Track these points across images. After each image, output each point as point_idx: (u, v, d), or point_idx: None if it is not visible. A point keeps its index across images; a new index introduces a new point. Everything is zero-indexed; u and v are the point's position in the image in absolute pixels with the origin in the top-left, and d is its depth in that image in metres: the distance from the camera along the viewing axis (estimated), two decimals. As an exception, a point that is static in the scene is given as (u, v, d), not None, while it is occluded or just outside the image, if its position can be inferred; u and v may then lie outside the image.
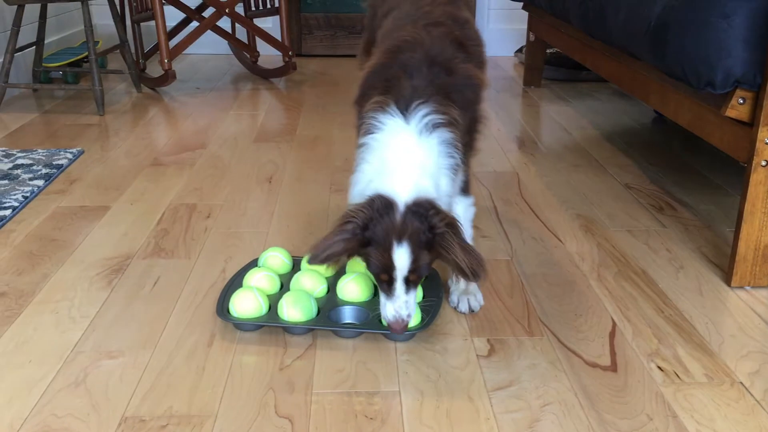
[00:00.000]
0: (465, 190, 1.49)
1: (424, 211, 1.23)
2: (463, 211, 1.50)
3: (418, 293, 1.45)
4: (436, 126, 1.29)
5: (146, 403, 1.19)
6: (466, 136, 1.40)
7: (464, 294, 1.48)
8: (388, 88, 1.34)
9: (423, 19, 1.47)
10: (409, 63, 1.35)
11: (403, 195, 1.24)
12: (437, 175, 1.29)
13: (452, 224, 1.24)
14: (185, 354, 1.32)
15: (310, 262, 1.23)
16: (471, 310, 1.47)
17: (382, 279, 1.26)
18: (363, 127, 1.35)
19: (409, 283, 1.26)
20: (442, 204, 1.28)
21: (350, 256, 1.28)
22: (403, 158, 1.28)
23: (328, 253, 1.22)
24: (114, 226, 1.86)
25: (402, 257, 1.22)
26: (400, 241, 1.22)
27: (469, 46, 1.47)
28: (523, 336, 1.40)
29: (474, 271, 1.22)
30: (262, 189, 2.14)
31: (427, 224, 1.23)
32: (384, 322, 1.31)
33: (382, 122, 1.31)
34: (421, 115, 1.29)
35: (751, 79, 1.45)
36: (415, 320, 1.36)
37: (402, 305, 1.26)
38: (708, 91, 1.52)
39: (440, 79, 1.34)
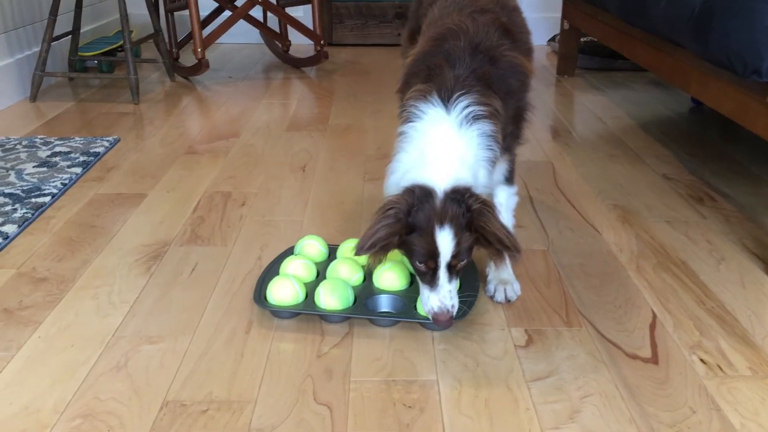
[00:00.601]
0: (509, 179, 1.48)
1: (461, 196, 1.23)
2: (505, 199, 1.49)
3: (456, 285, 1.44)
4: (476, 118, 1.28)
5: (187, 388, 1.20)
6: (510, 125, 1.38)
7: (501, 284, 1.47)
8: (430, 77, 1.33)
9: (469, 6, 1.45)
10: (452, 52, 1.34)
11: (441, 184, 1.24)
12: (475, 167, 1.28)
13: (487, 203, 1.24)
14: (224, 340, 1.33)
15: (358, 252, 1.23)
16: (507, 300, 1.46)
17: (427, 267, 1.25)
18: (403, 116, 1.34)
19: (452, 270, 1.25)
20: (479, 190, 1.27)
21: (394, 244, 1.26)
22: (442, 149, 1.27)
23: (374, 240, 1.21)
24: (151, 214, 1.88)
25: (445, 241, 1.22)
26: (442, 225, 1.22)
27: (516, 33, 1.44)
28: (561, 326, 1.39)
29: (513, 243, 1.22)
30: (296, 177, 2.15)
31: (465, 207, 1.23)
32: (425, 314, 1.30)
33: (423, 111, 1.30)
34: (462, 106, 1.28)
35: (799, 67, 1.42)
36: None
37: (446, 295, 1.26)
38: (753, 78, 1.48)
39: (483, 68, 1.32)
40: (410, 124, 1.31)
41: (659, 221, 1.85)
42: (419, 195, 1.24)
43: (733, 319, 1.41)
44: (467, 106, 1.28)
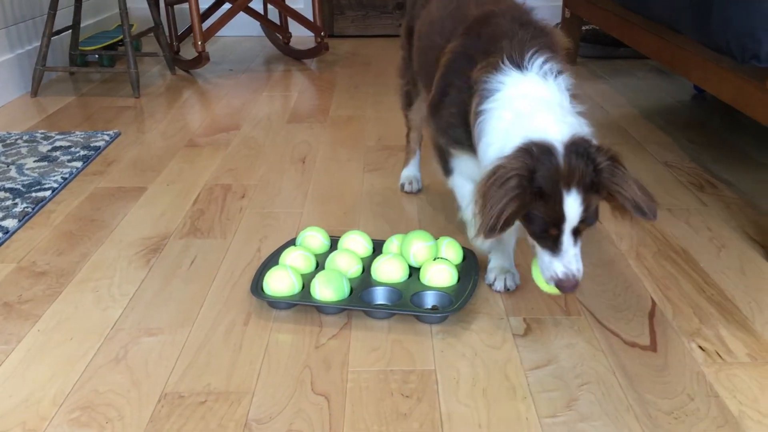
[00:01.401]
0: None
1: (583, 150, 1.12)
2: None
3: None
4: (558, 72, 1.25)
5: (185, 380, 1.20)
6: None
7: (501, 272, 1.47)
8: (490, 54, 1.27)
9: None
10: (499, 27, 1.30)
11: (558, 135, 1.13)
12: (574, 112, 1.23)
13: (615, 157, 1.13)
14: (222, 332, 1.34)
15: (486, 235, 1.11)
16: (507, 289, 1.46)
17: (551, 234, 1.15)
18: (476, 97, 1.25)
19: (578, 234, 1.16)
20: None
21: (520, 217, 1.16)
22: (541, 101, 1.21)
23: (503, 216, 1.10)
24: (151, 207, 1.88)
25: (573, 206, 1.11)
26: (569, 188, 1.11)
27: (538, 27, 1.38)
28: (559, 315, 1.39)
29: (651, 209, 1.12)
30: (296, 169, 2.15)
31: (591, 163, 1.11)
32: (547, 285, 1.22)
33: (500, 81, 1.24)
34: (540, 63, 1.24)
35: (798, 52, 1.41)
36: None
37: (572, 259, 1.16)
38: (752, 64, 1.47)
39: (534, 37, 1.28)
40: (490, 99, 1.22)
41: (660, 209, 1.82)
42: (538, 154, 1.11)
43: (733, 307, 1.40)
44: (545, 62, 1.24)
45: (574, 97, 1.26)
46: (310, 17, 3.50)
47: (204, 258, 1.61)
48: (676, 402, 1.14)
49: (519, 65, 1.25)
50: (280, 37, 3.73)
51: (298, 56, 3.65)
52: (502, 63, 1.25)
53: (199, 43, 3.08)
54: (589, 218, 1.15)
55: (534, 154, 1.11)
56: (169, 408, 1.13)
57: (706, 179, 2.02)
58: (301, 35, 3.80)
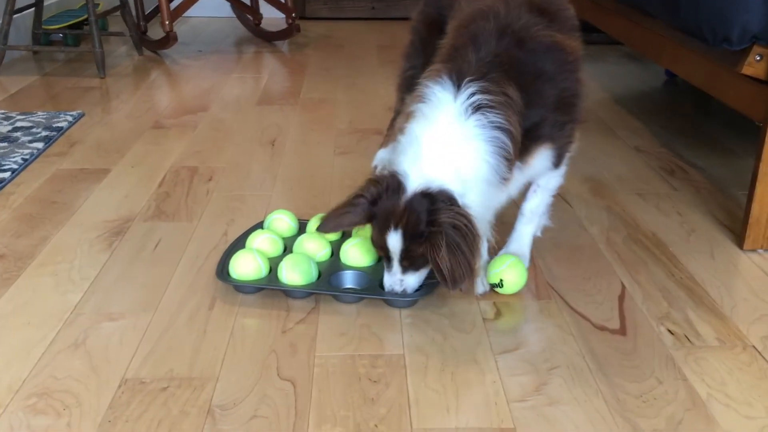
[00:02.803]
0: (555, 164, 1.37)
1: (430, 203, 1.18)
2: (545, 180, 1.42)
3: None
4: (480, 107, 1.19)
5: (147, 365, 1.17)
6: (552, 113, 1.29)
7: None
8: (451, 58, 1.25)
9: None
10: (478, 33, 1.26)
11: (415, 180, 1.19)
12: (473, 160, 1.20)
13: (456, 225, 1.16)
14: (186, 317, 1.30)
15: (319, 230, 1.28)
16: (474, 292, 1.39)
17: (381, 254, 1.28)
18: (416, 93, 1.27)
19: (406, 267, 1.26)
20: (474, 192, 1.20)
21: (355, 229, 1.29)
22: (434, 140, 1.20)
23: (336, 224, 1.27)
24: (115, 189, 1.83)
25: (394, 243, 1.22)
26: (395, 227, 1.21)
27: (553, 11, 1.35)
28: (530, 299, 1.37)
29: (453, 279, 1.17)
30: (266, 152, 2.11)
31: (427, 217, 1.18)
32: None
33: (432, 93, 1.23)
34: (469, 93, 1.20)
35: (769, 35, 1.40)
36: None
37: (396, 282, 1.29)
38: (724, 47, 1.47)
39: (508, 51, 1.24)
40: (418, 104, 1.25)
41: (631, 194, 1.84)
42: (387, 187, 1.21)
43: (702, 290, 1.40)
44: (473, 94, 1.20)
45: (498, 130, 1.19)
46: (282, -2, 3.44)
47: (169, 241, 1.57)
48: (645, 385, 1.13)
49: (455, 87, 1.21)
50: (251, 19, 3.66)
51: (269, 38, 3.59)
52: (443, 77, 1.23)
53: (167, 23, 3.01)
54: (412, 260, 1.25)
55: (385, 187, 1.21)
56: (130, 394, 1.10)
57: (676, 164, 2.02)
58: (272, 17, 3.74)
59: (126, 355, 1.19)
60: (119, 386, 1.12)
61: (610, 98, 2.65)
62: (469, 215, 1.19)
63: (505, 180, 1.24)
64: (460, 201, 1.19)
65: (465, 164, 1.20)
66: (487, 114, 1.19)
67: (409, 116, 1.26)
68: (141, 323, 1.28)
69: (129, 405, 1.08)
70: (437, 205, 1.18)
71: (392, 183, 1.21)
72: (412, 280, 1.29)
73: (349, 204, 1.24)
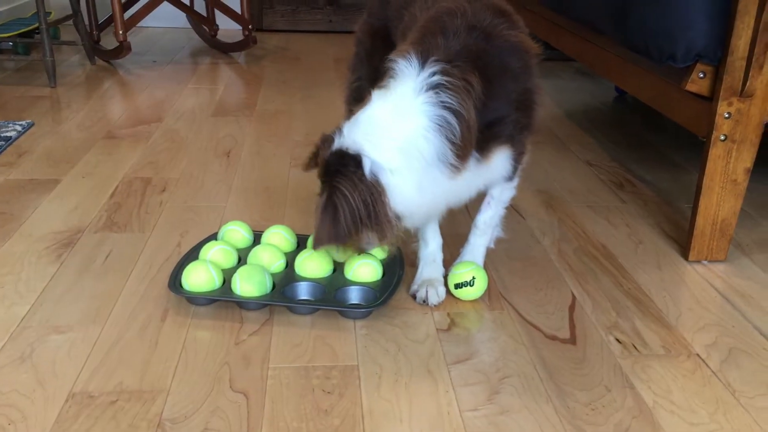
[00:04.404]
0: (509, 172, 1.38)
1: (340, 163, 1.21)
2: (498, 192, 1.43)
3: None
4: (437, 87, 1.20)
5: (95, 379, 1.14)
6: (515, 111, 1.30)
7: (424, 285, 1.42)
8: (421, 42, 1.26)
9: None
10: (448, 26, 1.27)
11: (343, 140, 1.23)
12: (411, 135, 1.20)
13: (344, 193, 1.19)
14: (137, 329, 1.28)
15: (303, 169, 1.33)
16: (424, 302, 1.40)
17: None
18: (386, 68, 1.28)
19: None
20: (409, 169, 1.20)
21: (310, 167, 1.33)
22: (379, 108, 1.23)
23: (306, 164, 1.32)
24: (64, 200, 1.80)
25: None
26: (319, 177, 1.26)
27: (509, 13, 1.36)
28: (483, 310, 1.39)
29: (316, 237, 1.22)
30: (220, 163, 2.09)
31: (329, 177, 1.21)
32: (455, 289, 1.39)
33: (397, 67, 1.24)
34: (431, 71, 1.21)
35: (711, 53, 1.45)
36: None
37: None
38: (669, 64, 1.51)
39: (477, 44, 1.25)
40: (388, 78, 1.26)
41: (581, 206, 1.87)
42: (327, 137, 1.26)
43: (649, 300, 1.44)
44: (435, 74, 1.20)
45: (448, 112, 1.20)
46: (238, 10, 3.43)
47: (120, 253, 1.55)
48: (594, 393, 1.16)
49: (421, 64, 1.22)
50: (207, 30, 3.64)
51: (225, 49, 3.57)
52: (411, 53, 1.24)
53: (121, 32, 2.98)
54: None
55: (325, 137, 1.27)
56: (77, 408, 1.08)
57: (625, 178, 2.08)
58: (228, 28, 3.73)
59: (74, 368, 1.17)
60: (66, 400, 1.09)
61: (562, 113, 2.70)
62: (373, 189, 1.19)
63: (454, 167, 1.22)
64: (369, 170, 1.19)
65: (400, 137, 1.20)
66: (440, 93, 1.20)
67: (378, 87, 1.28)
68: (90, 336, 1.25)
69: (77, 419, 1.06)
70: (343, 167, 1.20)
71: (328, 137, 1.25)
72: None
73: (314, 150, 1.30)
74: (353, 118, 1.25)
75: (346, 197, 1.19)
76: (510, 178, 1.42)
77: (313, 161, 1.31)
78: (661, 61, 1.52)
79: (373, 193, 1.19)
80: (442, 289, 1.42)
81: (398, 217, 1.23)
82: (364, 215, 1.19)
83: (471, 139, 1.23)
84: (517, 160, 1.38)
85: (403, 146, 1.20)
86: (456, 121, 1.20)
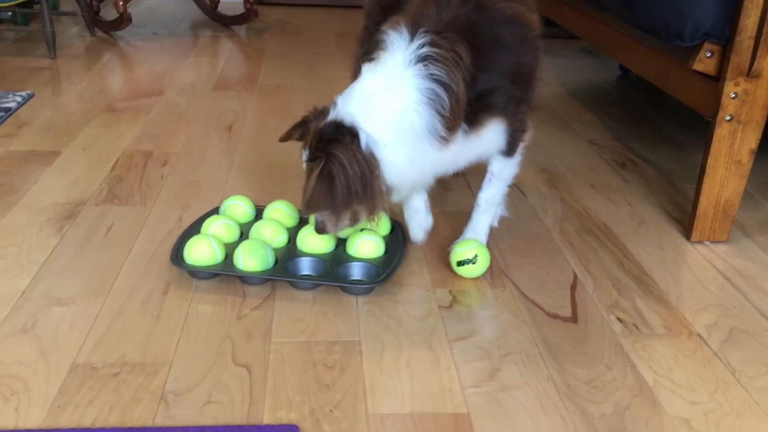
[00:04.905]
0: (506, 149, 1.39)
1: (336, 133, 1.21)
2: (498, 169, 1.43)
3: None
4: (425, 59, 1.20)
5: (98, 351, 1.15)
6: (509, 85, 1.30)
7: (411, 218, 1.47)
8: (413, 14, 1.26)
9: None
10: None
11: (338, 112, 1.23)
12: (402, 107, 1.21)
13: (342, 163, 1.19)
14: (139, 302, 1.28)
15: (279, 140, 1.37)
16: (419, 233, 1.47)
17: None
18: (378, 39, 1.29)
19: None
20: (400, 141, 1.21)
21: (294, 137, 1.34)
22: (370, 81, 1.24)
23: (286, 135, 1.34)
24: (65, 172, 1.79)
25: (303, 160, 1.27)
26: (305, 147, 1.26)
27: None
28: (485, 288, 1.39)
29: (308, 204, 1.22)
30: (221, 137, 2.08)
31: (324, 145, 1.21)
32: (457, 267, 1.39)
33: (388, 39, 1.24)
34: (420, 43, 1.21)
35: (719, 32, 1.44)
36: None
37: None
38: (676, 43, 1.50)
39: (469, 15, 1.25)
40: (378, 51, 1.27)
41: (584, 185, 1.87)
42: (319, 110, 1.27)
43: (651, 280, 1.44)
44: (423, 45, 1.21)
45: (437, 84, 1.20)
46: (240, -18, 3.40)
47: (121, 226, 1.54)
48: (595, 372, 1.16)
49: (411, 36, 1.23)
50: (208, 2, 3.60)
51: (226, 22, 3.54)
52: (401, 25, 1.24)
53: (121, 3, 2.94)
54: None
55: (317, 111, 1.28)
56: (80, 379, 1.08)
57: (628, 157, 2.07)
58: (229, 1, 3.69)
59: (76, 340, 1.17)
60: (69, 371, 1.10)
61: (565, 92, 2.69)
62: (369, 160, 1.20)
63: (443, 138, 1.24)
64: (365, 142, 1.20)
65: (392, 110, 1.22)
66: (429, 66, 1.21)
67: (369, 61, 1.29)
68: (92, 308, 1.25)
69: (79, 390, 1.06)
70: (339, 137, 1.21)
71: (323, 109, 1.26)
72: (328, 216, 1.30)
73: (299, 122, 1.31)
74: (346, 91, 1.26)
75: (344, 166, 1.19)
76: (510, 154, 1.41)
77: (297, 132, 1.32)
78: (668, 39, 1.51)
79: (369, 166, 1.20)
80: (430, 219, 1.47)
81: (389, 191, 1.24)
82: (360, 188, 1.20)
83: (460, 112, 1.24)
84: (515, 135, 1.38)
85: (396, 120, 1.21)
86: (445, 94, 1.21)
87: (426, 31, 1.22)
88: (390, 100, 1.22)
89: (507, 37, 1.29)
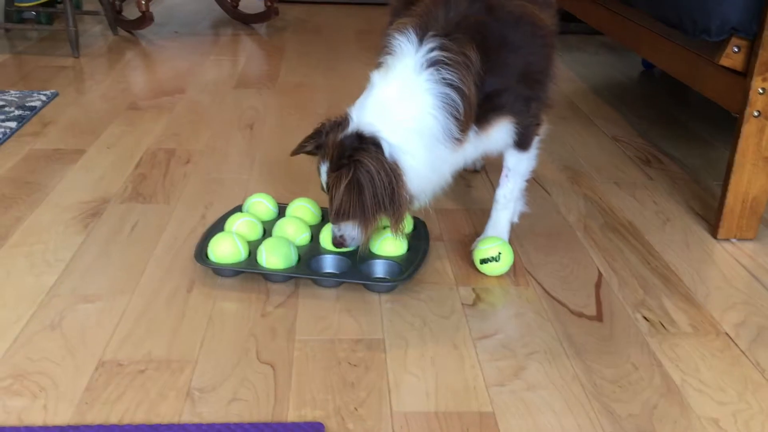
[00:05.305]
0: (520, 143, 1.39)
1: (358, 143, 1.20)
2: (513, 164, 1.43)
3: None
4: (436, 63, 1.21)
5: (124, 348, 1.16)
6: (518, 85, 1.30)
7: None
8: (421, 15, 1.26)
9: None
10: None
11: (355, 122, 1.23)
12: (419, 113, 1.21)
13: (370, 171, 1.18)
14: (164, 299, 1.29)
15: (291, 154, 1.36)
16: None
17: (322, 188, 1.30)
18: (384, 44, 1.29)
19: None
20: (417, 146, 1.21)
21: (308, 151, 1.33)
22: (384, 88, 1.24)
23: (299, 148, 1.33)
24: (90, 170, 1.80)
25: (323, 172, 1.27)
26: (325, 159, 1.25)
27: None
28: (509, 285, 1.38)
29: (337, 213, 1.22)
30: (243, 135, 2.09)
31: (348, 154, 1.20)
32: (481, 265, 1.38)
33: (396, 44, 1.24)
34: (429, 47, 1.21)
35: (747, 27, 1.42)
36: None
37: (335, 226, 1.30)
38: (703, 38, 1.48)
39: (478, 16, 1.25)
40: (385, 55, 1.27)
41: (607, 182, 1.85)
42: (335, 124, 1.26)
43: (677, 278, 1.42)
44: (433, 49, 1.21)
45: (449, 88, 1.20)
46: (260, -20, 3.41)
47: (146, 223, 1.55)
48: (621, 371, 1.15)
49: (419, 40, 1.22)
50: (229, 0, 3.62)
51: (246, 20, 3.55)
52: (409, 29, 1.24)
53: (143, 2, 2.97)
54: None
55: (334, 123, 1.26)
56: (107, 376, 1.09)
57: (652, 154, 2.05)
58: (250, -1, 3.70)
59: (103, 337, 1.18)
60: (96, 368, 1.11)
61: (587, 88, 2.67)
62: (394, 169, 1.20)
63: (457, 141, 1.25)
64: (389, 151, 1.21)
65: (409, 116, 1.22)
66: (441, 70, 1.21)
67: (379, 66, 1.29)
68: (118, 305, 1.26)
69: (106, 387, 1.07)
70: (364, 146, 1.20)
71: (340, 121, 1.26)
72: (349, 229, 1.29)
73: (311, 134, 1.31)
74: (359, 103, 1.26)
75: (371, 175, 1.19)
76: (524, 148, 1.41)
77: (310, 145, 1.30)
78: (695, 34, 1.49)
79: (395, 174, 1.20)
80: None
81: (411, 199, 1.25)
82: (388, 197, 1.20)
83: (471, 114, 1.25)
84: (526, 132, 1.38)
85: (415, 127, 1.22)
86: (459, 98, 1.22)
87: (435, 35, 1.22)
88: (407, 107, 1.22)
89: (515, 37, 1.29)
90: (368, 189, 1.19)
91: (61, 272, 1.36)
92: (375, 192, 1.19)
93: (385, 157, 1.20)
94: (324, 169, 1.26)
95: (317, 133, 1.30)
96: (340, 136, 1.24)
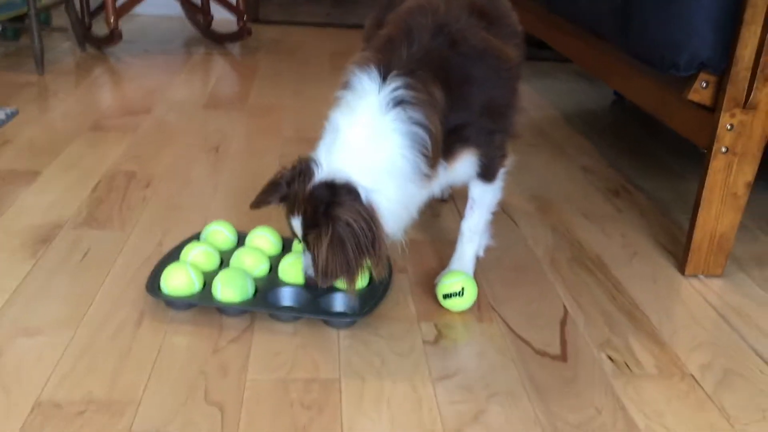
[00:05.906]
0: (483, 174, 1.36)
1: (332, 194, 1.16)
2: (478, 195, 1.41)
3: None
4: (400, 102, 1.18)
5: (63, 387, 1.09)
6: (480, 117, 1.28)
7: None
8: (383, 49, 1.23)
9: None
10: (413, 27, 1.24)
11: (324, 170, 1.18)
12: (389, 155, 1.18)
13: (350, 223, 1.14)
14: (111, 333, 1.23)
15: (250, 206, 1.29)
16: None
17: (292, 236, 1.27)
18: (343, 79, 1.25)
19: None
20: (389, 187, 1.18)
21: (271, 204, 1.29)
22: (351, 131, 1.19)
23: (258, 201, 1.28)
24: (44, 193, 1.74)
25: (297, 228, 1.22)
26: (297, 213, 1.20)
27: (494, 15, 1.34)
28: (472, 322, 1.34)
29: (325, 274, 1.16)
30: (208, 158, 2.04)
31: (324, 209, 1.16)
32: (443, 300, 1.35)
33: (357, 81, 1.21)
34: (393, 87, 1.18)
35: (715, 63, 1.40)
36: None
37: (308, 265, 1.26)
38: (672, 73, 1.46)
39: (441, 51, 1.23)
40: (344, 90, 1.23)
41: (576, 214, 1.83)
42: (300, 172, 1.21)
43: (643, 316, 1.39)
44: (397, 88, 1.18)
45: (416, 126, 1.18)
46: (233, 0, 3.37)
47: (98, 251, 1.50)
48: (584, 415, 1.11)
49: (381, 79, 1.19)
50: (201, 19, 3.57)
51: (219, 40, 3.51)
52: (371, 66, 1.20)
53: (112, 19, 2.91)
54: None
55: (298, 171, 1.21)
56: (43, 418, 1.03)
57: (622, 185, 2.03)
58: (223, 18, 3.66)
59: (41, 375, 1.12)
60: (32, 409, 1.04)
61: (559, 116, 2.66)
62: (372, 214, 1.17)
63: (426, 177, 1.22)
64: (365, 196, 1.17)
65: (380, 158, 1.19)
66: (407, 110, 1.18)
67: (336, 102, 1.25)
68: (60, 340, 1.20)
69: (42, 430, 1.01)
70: (339, 198, 1.16)
71: (305, 169, 1.21)
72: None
73: (271, 183, 1.26)
74: (323, 147, 1.21)
75: (351, 227, 1.15)
76: (489, 180, 1.39)
77: (273, 197, 1.26)
78: (664, 69, 1.47)
79: (372, 218, 1.17)
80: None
81: (387, 237, 1.21)
82: (369, 243, 1.16)
83: (439, 150, 1.23)
84: (490, 164, 1.36)
85: (387, 168, 1.19)
86: (426, 136, 1.19)
87: (398, 74, 1.19)
88: (377, 149, 1.19)
89: (479, 72, 1.28)
90: (350, 242, 1.15)
91: (3, 303, 1.29)
92: (358, 242, 1.16)
93: (361, 204, 1.16)
94: (297, 223, 1.21)
95: (276, 185, 1.25)
96: (309, 186, 1.19)
